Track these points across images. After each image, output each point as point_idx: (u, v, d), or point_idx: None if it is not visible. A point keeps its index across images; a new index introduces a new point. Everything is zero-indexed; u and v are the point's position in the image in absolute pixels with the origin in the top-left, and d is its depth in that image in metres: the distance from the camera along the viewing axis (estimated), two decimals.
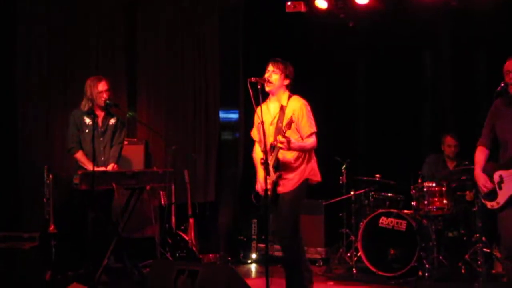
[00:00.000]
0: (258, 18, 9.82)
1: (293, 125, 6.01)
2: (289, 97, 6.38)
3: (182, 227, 8.32)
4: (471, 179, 7.35)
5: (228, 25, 9.87)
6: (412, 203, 8.18)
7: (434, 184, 7.99)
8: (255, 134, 6.62)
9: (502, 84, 5.53)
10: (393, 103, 9.75)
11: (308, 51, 9.81)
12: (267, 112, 6.39)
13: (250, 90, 5.93)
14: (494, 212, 5.73)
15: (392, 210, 8.13)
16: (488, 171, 5.72)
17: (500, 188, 5.57)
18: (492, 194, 5.66)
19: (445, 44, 9.64)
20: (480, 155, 5.88)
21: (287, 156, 6.25)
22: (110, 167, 7.20)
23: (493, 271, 7.80)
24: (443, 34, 9.58)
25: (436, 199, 7.94)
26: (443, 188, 7.93)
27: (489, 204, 5.70)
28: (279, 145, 5.99)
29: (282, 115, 6.29)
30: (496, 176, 5.62)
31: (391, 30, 9.44)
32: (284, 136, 5.94)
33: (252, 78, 6.04)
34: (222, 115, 9.97)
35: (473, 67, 9.27)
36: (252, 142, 6.74)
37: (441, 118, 9.70)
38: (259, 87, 6.00)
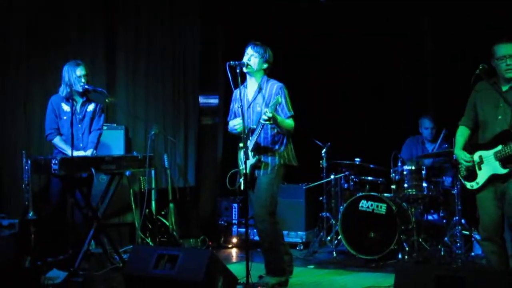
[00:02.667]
0: (239, 1, 9.78)
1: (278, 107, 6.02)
2: (267, 80, 6.38)
3: (163, 212, 8.32)
4: (450, 162, 7.40)
5: (207, 9, 9.83)
6: (392, 186, 8.21)
7: (413, 167, 8.03)
8: (232, 118, 6.61)
9: (480, 67, 5.53)
10: (373, 86, 9.78)
11: (287, 33, 9.79)
12: (246, 95, 6.39)
13: (229, 74, 5.92)
14: (473, 194, 5.76)
15: (372, 193, 8.16)
16: (468, 151, 5.76)
17: (480, 169, 5.61)
18: (471, 175, 5.69)
19: (426, 28, 9.65)
20: (460, 135, 5.93)
21: (267, 139, 6.25)
22: (89, 152, 7.16)
23: (472, 254, 7.86)
24: (424, 18, 9.61)
25: (416, 182, 7.98)
26: (423, 171, 7.97)
27: (468, 184, 5.74)
28: (264, 117, 5.94)
29: (261, 99, 6.30)
30: (475, 157, 5.65)
31: (369, 8, 9.44)
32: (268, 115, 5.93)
33: (231, 62, 6.03)
34: (201, 100, 9.96)
35: (454, 52, 9.28)
36: None
37: (421, 101, 9.73)
38: (238, 71, 6.00)
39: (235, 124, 6.41)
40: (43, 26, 8.28)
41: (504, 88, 5.60)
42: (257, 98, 6.34)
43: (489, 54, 5.66)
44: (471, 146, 5.77)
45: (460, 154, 5.79)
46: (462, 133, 5.93)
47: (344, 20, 9.79)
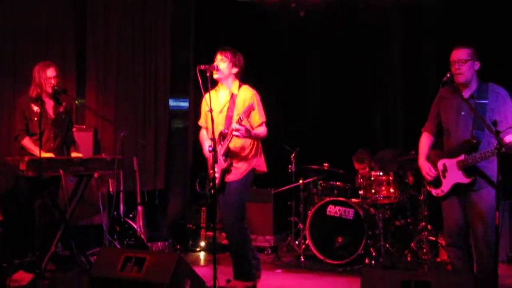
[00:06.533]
0: (210, 6, 9.80)
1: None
2: (240, 86, 6.41)
3: (131, 215, 8.29)
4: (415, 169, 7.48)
5: (179, 12, 9.83)
6: (360, 191, 8.28)
7: (381, 173, 8.10)
8: (202, 122, 6.64)
9: (448, 75, 5.61)
10: (342, 92, 9.87)
11: (259, 40, 9.84)
12: (216, 100, 6.40)
13: (199, 78, 5.94)
14: (439, 200, 5.83)
15: (340, 198, 8.22)
16: (432, 159, 5.82)
17: (444, 177, 5.66)
18: (437, 182, 5.75)
19: (396, 37, 9.75)
20: (424, 142, 5.99)
21: (238, 145, 6.28)
22: (78, 155, 7.16)
23: (438, 259, 7.94)
24: (394, 25, 9.70)
25: (383, 188, 8.06)
26: (390, 178, 8.04)
27: (434, 192, 5.80)
28: (234, 133, 6.00)
29: (233, 104, 6.32)
30: (440, 165, 5.70)
31: (342, 19, 9.52)
32: (240, 124, 5.96)
33: (201, 66, 6.04)
34: (172, 103, 9.95)
35: (423, 59, 9.38)
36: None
37: (391, 107, 9.83)
38: (208, 74, 6.01)
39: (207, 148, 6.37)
40: (13, 27, 8.25)
41: (466, 94, 5.67)
42: (229, 103, 6.36)
43: None
44: (435, 155, 5.84)
45: (424, 167, 5.86)
46: (425, 141, 5.99)
47: (317, 26, 9.84)
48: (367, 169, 8.59)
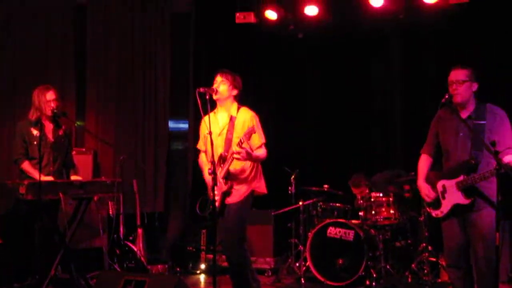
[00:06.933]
0: (209, 28, 9.85)
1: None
2: (238, 108, 6.42)
3: (131, 238, 8.28)
4: (414, 190, 7.47)
5: (178, 34, 9.88)
6: (360, 213, 8.26)
7: (381, 194, 8.10)
8: (201, 145, 6.64)
9: (446, 96, 5.63)
10: (342, 114, 9.87)
11: (258, 61, 9.87)
12: (215, 122, 6.40)
13: (198, 100, 5.95)
14: (439, 221, 5.83)
15: (340, 220, 8.21)
16: (431, 180, 5.82)
17: (444, 198, 5.66)
18: (436, 203, 5.75)
19: (394, 56, 9.77)
20: (423, 164, 5.99)
21: (238, 167, 6.27)
22: (78, 178, 7.16)
23: (439, 280, 7.92)
24: (392, 45, 9.73)
25: (384, 209, 8.05)
26: (390, 199, 8.03)
27: (433, 213, 5.79)
28: (235, 156, 6.00)
29: (232, 126, 6.32)
30: (439, 186, 5.70)
31: (340, 41, 9.55)
32: (241, 147, 5.97)
33: (201, 88, 6.05)
34: (171, 125, 9.97)
35: (422, 78, 9.39)
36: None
37: (390, 128, 9.83)
38: (207, 97, 6.02)
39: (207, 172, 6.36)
40: (13, 51, 8.29)
41: (464, 116, 5.68)
42: (228, 126, 6.36)
43: None
44: (434, 176, 5.84)
45: (424, 189, 5.87)
46: (423, 162, 6.00)
47: (316, 50, 9.87)
48: (367, 190, 8.58)
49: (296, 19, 9.24)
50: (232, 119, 6.36)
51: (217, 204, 6.12)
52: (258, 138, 6.27)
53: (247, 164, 6.31)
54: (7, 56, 8.42)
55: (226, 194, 6.26)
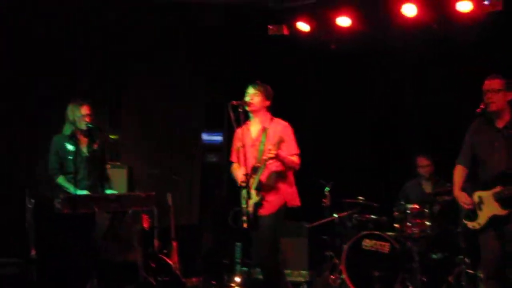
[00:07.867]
0: (242, 40, 9.86)
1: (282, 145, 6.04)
2: (271, 119, 6.42)
3: (165, 251, 8.29)
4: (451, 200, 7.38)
5: (211, 46, 9.91)
6: (395, 225, 8.18)
7: (417, 206, 8.01)
8: (234, 158, 6.64)
9: (482, 106, 5.58)
10: (376, 126, 9.80)
11: (292, 73, 9.85)
12: (248, 134, 6.41)
13: (231, 113, 5.96)
14: (476, 233, 5.75)
15: (375, 232, 8.14)
16: (467, 192, 5.75)
17: (480, 209, 5.60)
18: (472, 215, 5.68)
19: (426, 68, 9.66)
20: (458, 174, 5.94)
21: (270, 177, 6.26)
22: (113, 192, 7.20)
23: None
24: (425, 58, 9.62)
25: (419, 221, 7.96)
26: (426, 210, 7.94)
27: (470, 225, 5.73)
28: (268, 154, 5.99)
29: (265, 137, 6.32)
30: (475, 197, 5.64)
31: (372, 52, 9.49)
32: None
33: (234, 102, 6.08)
34: (206, 137, 9.98)
35: (450, 88, 9.28)
36: None
37: (419, 139, 9.72)
38: (240, 110, 6.04)
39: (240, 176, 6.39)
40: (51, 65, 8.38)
41: (500, 125, 5.62)
42: (261, 137, 6.36)
43: None
44: (471, 186, 5.77)
45: (461, 197, 5.80)
46: (459, 173, 5.94)
47: (350, 61, 9.82)
48: (433, 168, 8.54)
49: (329, 30, 9.21)
50: (265, 130, 6.36)
51: (250, 216, 6.11)
52: (292, 148, 6.26)
53: (279, 174, 6.29)
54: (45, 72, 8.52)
55: (257, 205, 6.25)
